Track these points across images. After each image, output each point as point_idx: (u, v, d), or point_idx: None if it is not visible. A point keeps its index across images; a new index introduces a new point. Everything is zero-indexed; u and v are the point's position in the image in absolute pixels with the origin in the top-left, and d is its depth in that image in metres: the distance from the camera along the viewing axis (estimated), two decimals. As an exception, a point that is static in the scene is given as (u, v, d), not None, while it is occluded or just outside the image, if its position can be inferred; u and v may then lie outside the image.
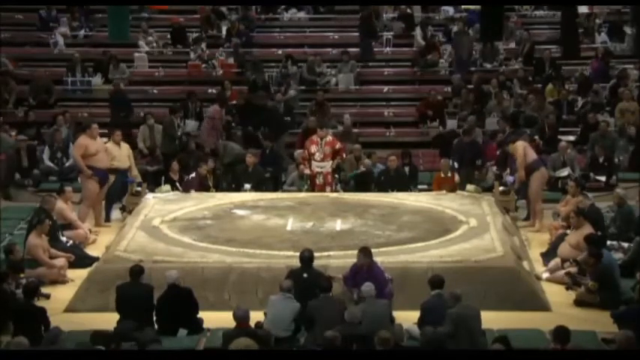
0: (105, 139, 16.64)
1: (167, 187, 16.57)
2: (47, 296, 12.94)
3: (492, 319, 11.55)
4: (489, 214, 14.85)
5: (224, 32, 22.77)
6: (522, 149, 15.94)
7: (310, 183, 16.81)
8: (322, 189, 16.60)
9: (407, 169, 17.84)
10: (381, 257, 12.62)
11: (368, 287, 11.42)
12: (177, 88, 21.59)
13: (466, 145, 17.93)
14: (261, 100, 20.37)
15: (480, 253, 13.19)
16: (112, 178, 16.22)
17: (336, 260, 12.81)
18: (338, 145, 16.86)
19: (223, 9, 23.35)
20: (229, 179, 17.61)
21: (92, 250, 14.87)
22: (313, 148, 16.71)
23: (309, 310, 11.30)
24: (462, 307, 10.99)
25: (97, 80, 21.59)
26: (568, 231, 14.33)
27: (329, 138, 16.89)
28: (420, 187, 17.72)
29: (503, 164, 17.44)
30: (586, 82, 20.94)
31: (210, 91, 21.30)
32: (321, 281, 11.68)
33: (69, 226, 15.11)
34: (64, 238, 14.65)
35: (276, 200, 16.10)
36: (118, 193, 16.51)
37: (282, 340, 10.85)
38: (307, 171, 16.77)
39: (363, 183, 17.38)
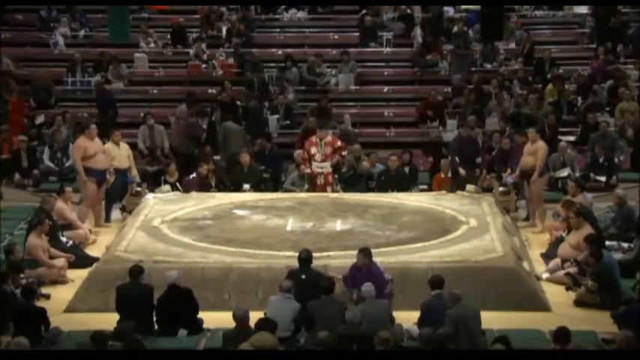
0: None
1: (167, 187, 16.57)
2: (47, 296, 12.95)
3: (492, 320, 11.55)
4: (489, 215, 14.85)
5: (224, 32, 22.77)
6: (545, 151, 15.96)
7: (311, 183, 16.81)
8: (324, 189, 16.60)
9: (407, 169, 17.83)
10: (381, 257, 12.62)
11: (368, 287, 11.42)
12: (177, 88, 21.58)
13: (465, 140, 17.88)
14: (247, 99, 20.38)
15: (480, 253, 13.19)
16: (111, 178, 16.20)
17: (336, 260, 12.81)
18: (338, 143, 16.86)
19: (223, 9, 23.35)
20: (229, 179, 17.58)
21: (92, 251, 14.87)
22: (313, 150, 16.72)
23: (310, 311, 11.30)
24: (461, 307, 10.98)
25: (97, 80, 21.58)
26: (564, 234, 14.35)
27: (328, 138, 16.89)
28: (420, 187, 17.70)
29: (504, 164, 17.43)
30: (586, 83, 20.95)
31: (210, 91, 21.31)
32: (322, 282, 11.67)
33: (69, 226, 15.10)
34: (64, 239, 14.65)
35: (276, 200, 16.10)
36: (118, 194, 16.51)
37: (282, 340, 10.85)
38: (308, 170, 16.76)
39: (353, 183, 17.33)
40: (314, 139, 16.85)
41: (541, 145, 15.99)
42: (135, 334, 10.78)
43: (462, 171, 17.29)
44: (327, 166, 16.67)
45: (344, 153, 17.02)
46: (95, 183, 15.89)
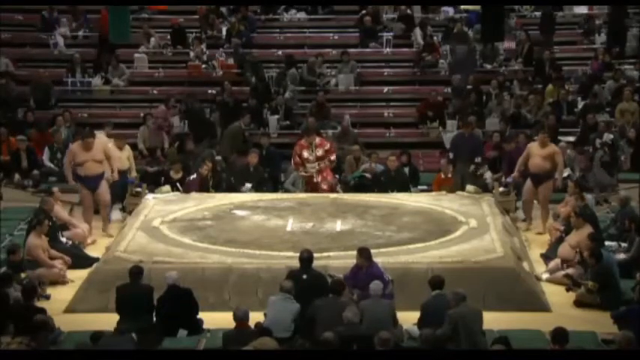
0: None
1: (167, 187, 16.56)
2: (47, 297, 12.95)
3: (492, 320, 11.55)
4: (489, 215, 14.84)
5: (224, 33, 22.77)
6: (561, 154, 16.02)
7: (307, 184, 16.75)
8: (322, 184, 16.52)
9: (407, 169, 17.82)
10: (381, 258, 12.62)
11: (376, 286, 11.40)
12: (177, 88, 21.58)
13: (465, 138, 17.88)
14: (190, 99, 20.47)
15: (479, 253, 13.19)
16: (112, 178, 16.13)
17: (336, 261, 12.81)
18: (327, 146, 16.81)
19: (223, 9, 23.36)
20: (229, 179, 17.56)
21: (92, 251, 14.88)
22: (305, 153, 16.65)
23: (312, 310, 11.25)
24: (462, 307, 10.97)
25: (96, 81, 21.60)
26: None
27: (317, 140, 16.82)
28: (420, 187, 17.68)
29: (504, 165, 17.42)
30: (586, 83, 20.96)
31: (210, 91, 21.31)
32: (333, 284, 11.62)
33: (66, 226, 15.10)
34: (63, 239, 14.65)
35: (276, 201, 16.09)
36: (118, 194, 16.49)
37: (282, 340, 10.84)
38: (303, 173, 16.71)
39: (365, 186, 17.29)
40: (304, 142, 16.78)
41: (557, 149, 15.97)
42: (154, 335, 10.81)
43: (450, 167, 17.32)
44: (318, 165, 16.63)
45: (332, 157, 16.88)
46: (86, 189, 15.77)
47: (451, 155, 17.57)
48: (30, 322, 10.28)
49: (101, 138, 16.44)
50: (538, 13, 23.52)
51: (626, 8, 21.78)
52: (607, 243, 14.07)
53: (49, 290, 13.23)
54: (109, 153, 15.92)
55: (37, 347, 9.51)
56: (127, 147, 16.82)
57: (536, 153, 15.80)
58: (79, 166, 15.64)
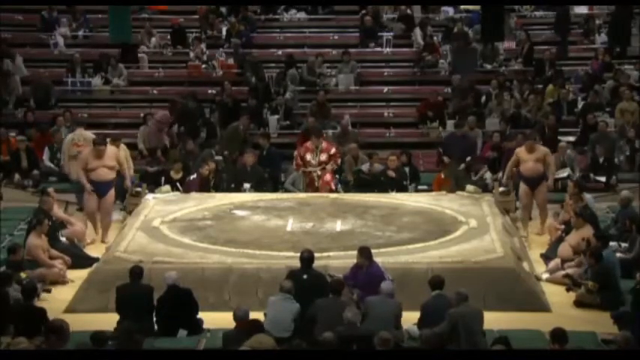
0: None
1: (167, 187, 16.56)
2: (49, 290, 12.97)
3: (492, 320, 11.54)
4: (489, 215, 14.84)
5: (224, 33, 22.77)
6: (552, 156, 16.01)
7: (309, 184, 16.74)
8: (323, 186, 16.54)
9: (407, 169, 17.82)
10: (381, 258, 12.61)
11: (387, 285, 11.41)
12: (177, 88, 21.59)
13: (457, 138, 17.86)
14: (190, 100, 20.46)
15: (479, 253, 13.19)
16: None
17: (336, 261, 12.80)
18: (333, 150, 16.80)
19: (223, 9, 23.36)
20: (229, 179, 17.57)
21: (92, 251, 14.88)
22: (309, 156, 16.64)
23: (313, 309, 11.24)
24: (463, 306, 10.97)
25: (97, 81, 21.60)
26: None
27: (324, 144, 16.81)
28: (419, 187, 17.68)
29: (504, 164, 17.42)
30: (586, 83, 20.96)
31: (210, 91, 21.32)
32: (333, 284, 11.62)
33: (64, 225, 15.09)
34: (63, 239, 14.64)
35: (276, 201, 16.09)
36: (118, 194, 16.47)
37: (282, 340, 10.84)
38: (303, 169, 16.69)
39: (365, 184, 17.30)
40: (310, 145, 16.77)
41: (547, 150, 15.94)
42: (136, 335, 10.76)
43: (446, 159, 17.28)
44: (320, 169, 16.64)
45: (339, 161, 16.94)
46: (94, 194, 15.73)
47: (441, 150, 17.64)
48: (49, 324, 10.26)
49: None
50: (538, 13, 23.56)
51: (631, 8, 21.78)
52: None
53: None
54: (120, 160, 15.89)
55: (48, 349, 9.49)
56: (123, 146, 16.77)
57: (527, 158, 15.71)
58: (90, 172, 15.57)
